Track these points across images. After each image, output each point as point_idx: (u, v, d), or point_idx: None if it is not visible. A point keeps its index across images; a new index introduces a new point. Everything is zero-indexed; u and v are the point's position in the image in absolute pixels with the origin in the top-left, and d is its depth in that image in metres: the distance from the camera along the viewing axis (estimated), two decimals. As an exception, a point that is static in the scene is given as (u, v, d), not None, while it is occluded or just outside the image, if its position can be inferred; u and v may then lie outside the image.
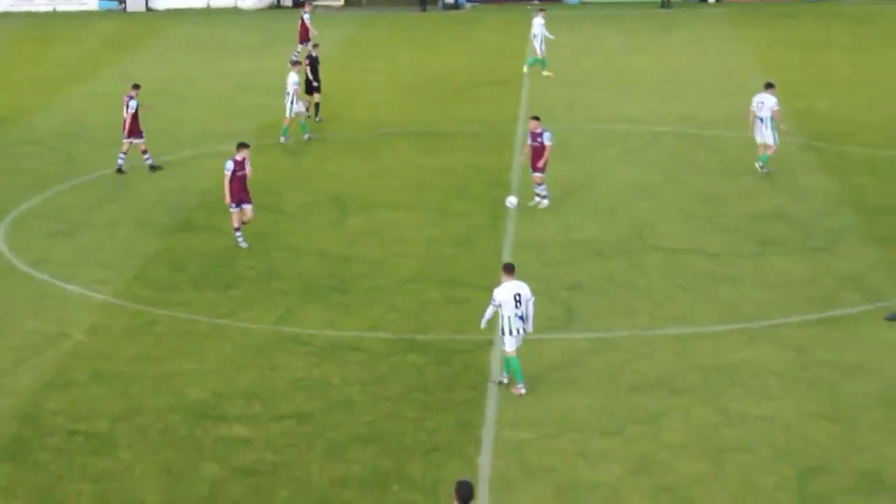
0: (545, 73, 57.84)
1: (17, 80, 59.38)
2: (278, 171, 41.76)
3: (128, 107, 42.80)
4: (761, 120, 41.53)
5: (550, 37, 58.56)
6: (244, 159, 35.10)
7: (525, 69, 58.24)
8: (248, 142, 36.53)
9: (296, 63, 48.66)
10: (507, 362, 26.51)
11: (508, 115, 50.46)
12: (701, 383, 26.94)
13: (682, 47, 64.68)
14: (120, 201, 40.14)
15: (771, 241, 35.67)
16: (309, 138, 46.78)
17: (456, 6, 79.73)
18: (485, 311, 26.49)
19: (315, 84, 48.68)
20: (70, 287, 32.92)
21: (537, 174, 38.21)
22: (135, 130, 43.00)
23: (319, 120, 48.77)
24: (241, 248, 34.96)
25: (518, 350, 26.14)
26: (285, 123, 46.43)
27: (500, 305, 26.04)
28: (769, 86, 42.35)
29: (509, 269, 26.49)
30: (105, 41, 69.50)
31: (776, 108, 41.41)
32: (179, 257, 35.00)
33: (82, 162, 44.75)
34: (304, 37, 60.66)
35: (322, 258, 34.70)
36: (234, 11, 79.38)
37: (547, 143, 37.75)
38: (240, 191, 34.90)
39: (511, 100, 53.27)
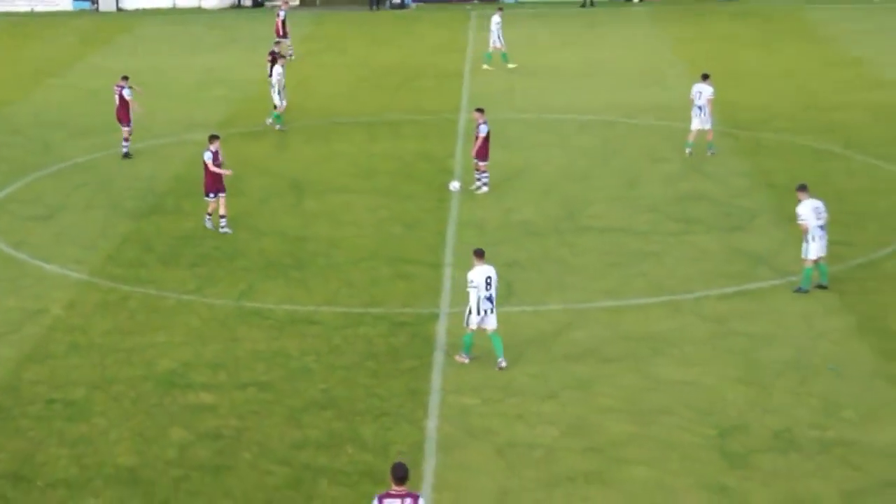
0: (486, 65, 57.84)
1: (-2, 74, 58.99)
2: (240, 158, 41.50)
3: (121, 96, 42.76)
4: (699, 108, 41.79)
5: (500, 33, 58.51)
6: (217, 150, 34.80)
7: (486, 66, 58.03)
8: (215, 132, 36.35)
9: (282, 57, 48.44)
10: (469, 337, 26.22)
11: (451, 105, 50.40)
12: (629, 352, 26.99)
13: (608, 43, 64.69)
14: (94, 187, 39.90)
15: (692, 220, 35.75)
16: (271, 124, 46.66)
17: (402, 5, 79.52)
18: (472, 289, 25.96)
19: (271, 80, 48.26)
20: (48, 266, 32.70)
21: (476, 161, 38.20)
22: (125, 118, 42.97)
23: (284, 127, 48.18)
24: (207, 229, 34.78)
25: (491, 330, 25.97)
26: (279, 112, 46.25)
27: (477, 287, 25.76)
28: (705, 76, 42.59)
29: (480, 254, 26.23)
30: (79, 38, 69.03)
31: (711, 97, 41.78)
32: (149, 238, 34.80)
33: (59, 150, 44.45)
34: (280, 33, 60.34)
35: (281, 238, 34.57)
36: (198, 11, 78.94)
37: (480, 134, 37.77)
38: (218, 181, 34.68)
39: (453, 91, 53.19)
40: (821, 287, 30.08)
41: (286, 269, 32.27)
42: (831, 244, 31.39)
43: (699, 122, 41.93)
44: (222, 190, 34.72)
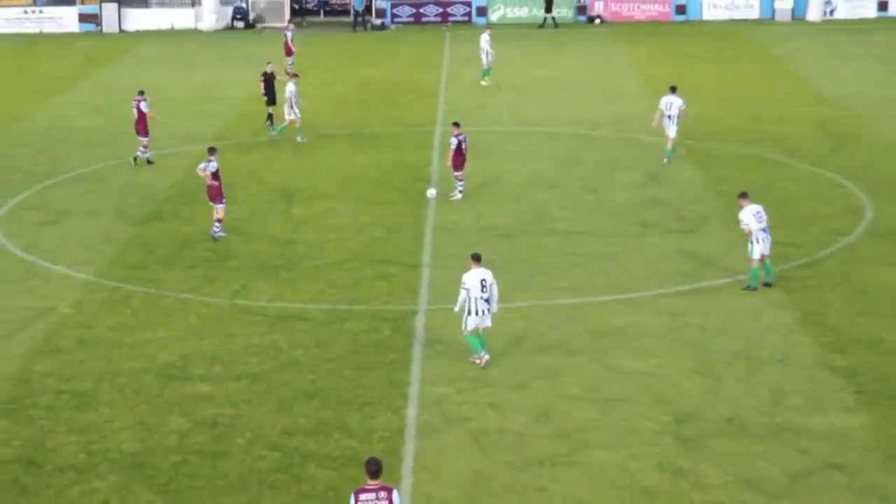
0: (484, 82, 57.91)
1: (8, 91, 58.73)
2: (233, 168, 41.42)
3: (138, 108, 43.03)
4: (669, 118, 42.12)
5: (492, 51, 58.59)
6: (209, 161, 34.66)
7: (483, 82, 58.00)
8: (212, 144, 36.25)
9: (294, 75, 48.37)
10: (474, 338, 25.70)
11: (428, 118, 50.43)
12: (592, 345, 27.01)
13: (573, 61, 64.82)
14: (99, 194, 39.81)
15: (649, 223, 35.82)
16: (274, 137, 46.83)
17: (382, 27, 79.54)
18: (464, 291, 25.55)
19: (266, 98, 48.07)
20: (56, 268, 32.61)
21: (451, 171, 38.26)
22: (142, 129, 43.22)
23: (269, 124, 48.09)
24: (208, 232, 34.67)
25: (483, 328, 25.62)
26: (297, 125, 46.14)
27: (469, 289, 25.42)
28: (673, 89, 42.88)
29: (477, 258, 25.77)
30: (84, 57, 68.86)
31: (683, 107, 42.20)
32: (150, 242, 34.71)
33: (66, 161, 44.33)
34: (289, 51, 60.92)
35: (271, 241, 34.53)
36: (195, 32, 78.79)
37: (451, 145, 37.83)
38: (219, 190, 34.48)
39: (429, 106, 53.21)
40: (767, 285, 30.17)
41: (276, 270, 32.24)
42: (778, 245, 31.49)
43: (671, 131, 42.33)
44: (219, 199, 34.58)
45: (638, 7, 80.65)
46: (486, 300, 25.50)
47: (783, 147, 44.73)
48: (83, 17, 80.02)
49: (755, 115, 50.46)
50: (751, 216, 29.87)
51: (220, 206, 34.51)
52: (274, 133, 46.79)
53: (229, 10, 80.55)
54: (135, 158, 43.53)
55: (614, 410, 23.79)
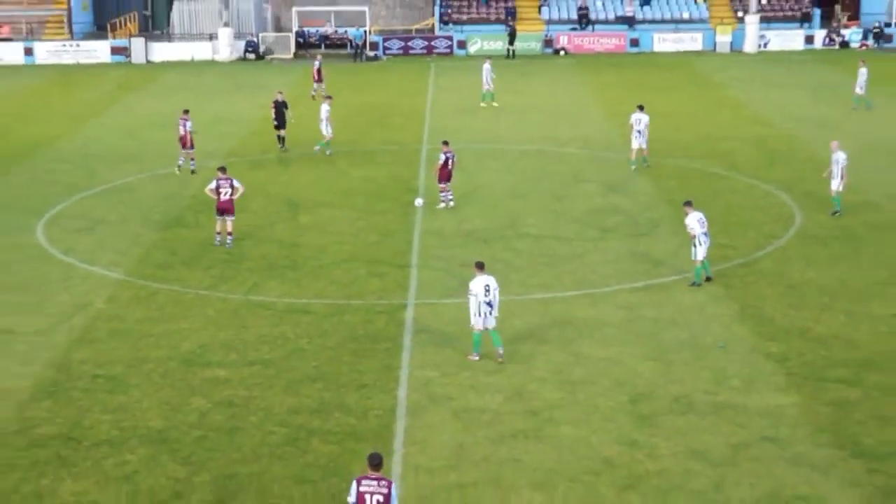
0: (484, 104, 58.18)
1: (50, 114, 58.62)
2: (245, 181, 41.34)
3: (185, 126, 43.53)
4: (639, 132, 43.02)
5: (493, 77, 58.87)
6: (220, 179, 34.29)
7: (494, 104, 58.18)
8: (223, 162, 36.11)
9: (327, 97, 49.03)
10: (478, 335, 25.34)
11: (416, 137, 50.46)
12: (559, 334, 27.03)
13: (541, 88, 64.89)
14: (128, 204, 39.73)
15: (608, 228, 35.86)
16: (318, 150, 47.09)
17: (376, 58, 79.57)
18: (467, 303, 25.30)
19: (276, 123, 47.95)
20: (92, 268, 32.53)
21: (438, 183, 38.31)
22: (187, 143, 43.71)
23: (284, 150, 48.04)
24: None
25: (487, 329, 25.26)
26: (326, 140, 46.51)
27: (476, 294, 25.07)
28: (641, 107, 43.74)
29: (480, 266, 25.44)
30: (116, 85, 68.76)
31: (648, 123, 43.24)
32: (173, 245, 34.65)
33: (100, 175, 44.24)
34: (318, 78, 61.44)
35: (279, 245, 34.49)
36: (212, 63, 78.72)
37: (439, 161, 37.89)
38: (228, 203, 34.15)
39: (417, 126, 53.24)
40: (708, 279, 30.26)
41: (284, 270, 32.21)
42: (719, 247, 31.63)
43: (638, 142, 43.12)
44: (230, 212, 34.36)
45: (597, 41, 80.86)
46: (489, 303, 25.12)
47: (724, 162, 44.84)
48: (115, 50, 79.91)
49: (700, 134, 50.59)
50: (695, 222, 29.95)
51: (231, 219, 34.16)
52: (316, 148, 47.02)
53: (242, 44, 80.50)
54: (179, 166, 43.99)
55: (578, 391, 23.82)
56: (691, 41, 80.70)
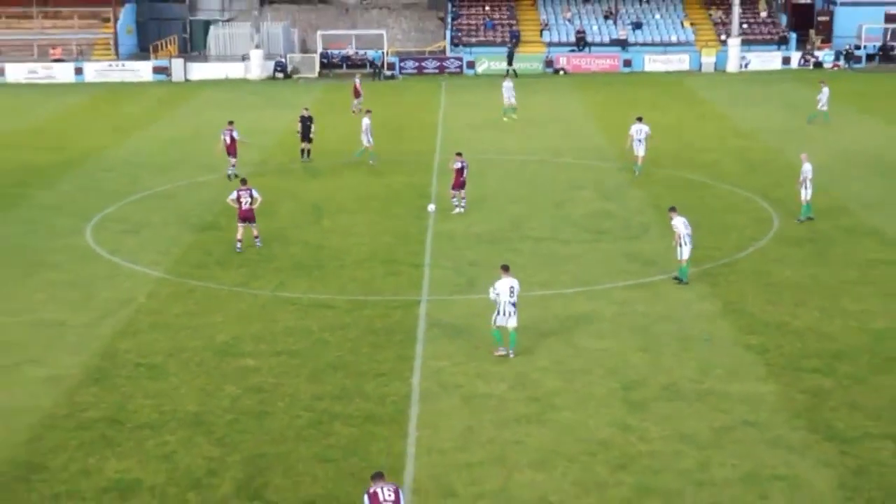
0: (506, 118, 57.98)
1: (98, 127, 58.61)
2: (274, 189, 41.29)
3: (231, 135, 44.06)
4: (639, 141, 43.31)
5: (514, 93, 59.22)
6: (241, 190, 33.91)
7: (514, 116, 58.14)
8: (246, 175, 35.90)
9: (367, 111, 49.52)
10: (497, 332, 25.06)
11: (428, 148, 50.33)
12: (558, 327, 26.93)
13: (541, 104, 64.67)
14: (168, 209, 39.68)
15: (602, 231, 35.73)
16: (359, 156, 47.10)
17: (393, 77, 79.49)
18: (494, 298, 25.04)
19: (300, 135, 47.90)
20: (135, 267, 32.48)
21: (450, 190, 38.20)
22: (233, 151, 44.07)
23: (308, 160, 47.83)
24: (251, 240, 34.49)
25: (507, 327, 24.96)
26: (370, 149, 46.60)
27: (499, 294, 24.84)
28: (640, 119, 44.18)
29: (506, 269, 25.34)
30: (157, 101, 68.75)
31: (649, 132, 43.64)
32: (209, 246, 34.59)
33: (142, 183, 44.19)
34: (357, 94, 61.77)
35: (304, 246, 34.41)
36: (244, 81, 78.66)
37: (454, 167, 37.89)
38: (248, 211, 33.85)
39: (430, 138, 53.10)
40: (677, 280, 30.11)
41: (309, 268, 32.13)
42: (704, 248, 31.52)
43: (637, 151, 43.43)
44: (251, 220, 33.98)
45: (593, 61, 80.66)
46: (513, 304, 24.90)
47: (708, 171, 44.66)
48: (157, 69, 79.88)
49: (686, 145, 50.39)
50: (680, 225, 29.80)
51: (253, 225, 33.81)
52: (356, 155, 47.13)
53: (272, 64, 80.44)
54: (228, 176, 44.10)
55: (576, 379, 23.71)
56: (679, 62, 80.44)
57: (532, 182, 43.37)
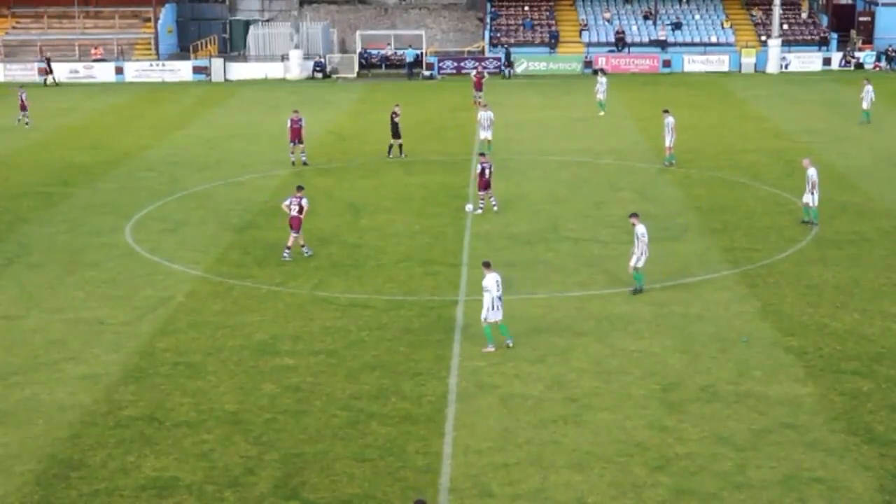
0: (601, 113, 59.03)
1: (138, 127, 58.99)
2: (312, 188, 41.39)
3: (299, 123, 46.11)
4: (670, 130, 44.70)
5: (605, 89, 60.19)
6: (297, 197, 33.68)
7: (601, 113, 58.90)
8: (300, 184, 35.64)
9: (484, 105, 51.82)
10: (488, 329, 25.43)
11: (465, 149, 50.28)
12: (595, 328, 26.86)
13: (580, 104, 64.48)
14: (207, 208, 39.89)
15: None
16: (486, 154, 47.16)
17: (431, 77, 79.52)
18: (482, 300, 25.48)
19: (392, 134, 48.26)
20: (174, 266, 32.68)
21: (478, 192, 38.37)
22: (299, 138, 46.09)
23: (404, 156, 48.26)
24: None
25: (497, 322, 25.40)
26: (485, 140, 47.58)
27: (490, 290, 25.18)
28: (666, 111, 45.61)
29: (487, 265, 25.65)
30: (197, 101, 69.10)
31: (674, 123, 45.13)
32: (247, 246, 34.76)
33: (182, 182, 44.46)
34: (478, 87, 63.79)
35: (342, 246, 34.51)
36: (283, 81, 78.93)
37: (476, 171, 37.96)
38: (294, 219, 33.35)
39: (467, 139, 53.03)
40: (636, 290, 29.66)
41: (347, 268, 32.21)
42: (743, 250, 31.46)
43: (668, 141, 44.77)
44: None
45: (633, 62, 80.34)
46: (500, 297, 25.33)
47: (748, 172, 44.41)
48: (196, 69, 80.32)
49: (725, 146, 50.12)
50: (644, 233, 29.43)
51: (296, 235, 33.25)
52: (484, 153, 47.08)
53: (311, 64, 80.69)
54: (293, 163, 46.05)
55: (613, 380, 23.65)
56: (718, 63, 79.96)
57: (571, 183, 43.25)
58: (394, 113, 48.37)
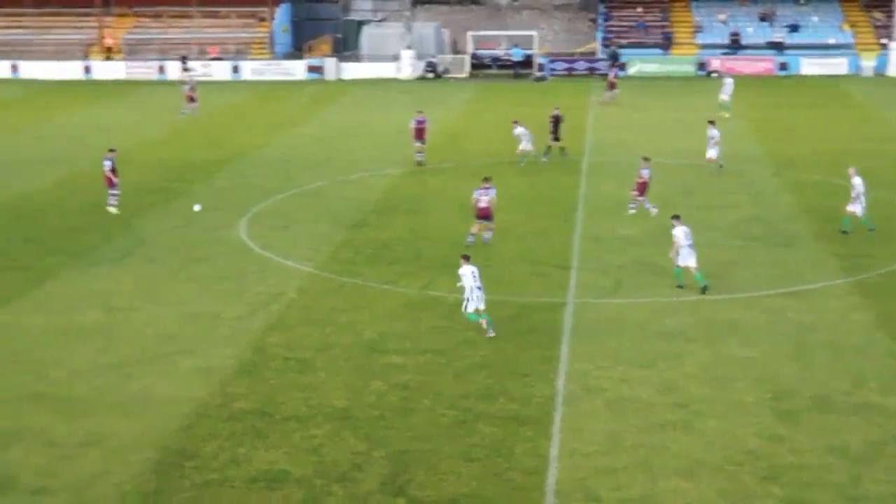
0: (727, 114, 58.33)
1: (253, 125, 59.91)
2: (423, 188, 41.63)
3: (423, 123, 46.63)
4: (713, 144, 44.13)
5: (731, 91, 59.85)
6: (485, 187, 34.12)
7: (727, 115, 58.05)
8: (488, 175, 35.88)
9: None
10: (470, 316, 26.45)
11: (577, 150, 49.98)
12: (706, 334, 26.49)
13: (693, 106, 63.61)
14: (319, 206, 40.29)
15: (752, 238, 35.08)
16: (545, 160, 47.48)
17: (543, 79, 79.34)
18: (460, 286, 26.71)
19: (553, 135, 48.19)
20: (286, 262, 33.05)
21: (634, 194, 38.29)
22: (421, 138, 46.53)
23: (566, 156, 48.26)
24: (403, 237, 34.65)
25: (479, 309, 26.25)
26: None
27: (465, 279, 26.37)
28: (712, 122, 44.83)
29: (466, 258, 26.88)
30: (311, 99, 69.93)
31: (719, 137, 44.27)
32: (359, 244, 35.02)
33: (295, 179, 45.00)
34: (612, 86, 65.07)
35: (452, 245, 34.46)
36: (395, 80, 79.48)
37: (642, 176, 37.81)
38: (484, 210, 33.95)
39: (578, 140, 52.71)
40: (680, 287, 29.67)
41: (455, 267, 32.02)
42: (859, 257, 30.62)
43: (711, 153, 44.20)
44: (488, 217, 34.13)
45: (749, 64, 79.19)
46: (479, 287, 26.20)
47: (865, 177, 43.26)
48: (310, 69, 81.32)
49: (843, 151, 48.99)
50: (682, 235, 29.43)
51: (486, 222, 33.94)
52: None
53: (422, 64, 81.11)
54: (418, 162, 46.65)
55: (724, 387, 23.29)
56: (836, 65, 78.43)
57: (682, 186, 42.73)
58: (555, 116, 48.01)
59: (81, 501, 18.90)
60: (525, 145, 46.34)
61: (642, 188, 37.70)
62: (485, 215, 33.92)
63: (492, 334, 26.11)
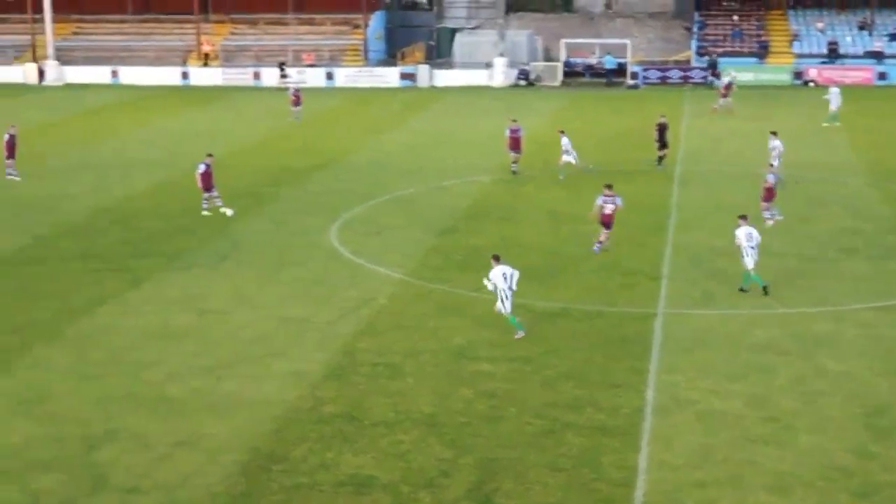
0: (826, 123, 58.23)
1: (347, 132, 60.41)
2: (514, 195, 41.56)
3: (517, 132, 46.46)
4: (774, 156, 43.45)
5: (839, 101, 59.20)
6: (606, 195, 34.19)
7: (837, 124, 57.86)
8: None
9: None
10: (511, 319, 26.67)
11: (670, 159, 49.45)
12: (798, 347, 26.06)
13: (788, 115, 62.76)
14: (410, 212, 40.46)
15: (848, 249, 34.45)
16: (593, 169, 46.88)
17: (635, 87, 78.86)
18: (490, 287, 26.77)
19: (659, 143, 48.04)
20: (377, 268, 33.22)
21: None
22: (517, 148, 46.24)
23: (661, 167, 47.95)
24: (494, 245, 34.56)
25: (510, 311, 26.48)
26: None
27: (496, 282, 26.39)
28: (774, 133, 44.33)
29: (497, 258, 26.87)
30: (403, 106, 70.31)
31: (781, 149, 43.51)
32: (448, 250, 35.09)
33: (387, 186, 45.22)
34: (725, 94, 64.59)
35: (541, 252, 34.46)
36: (487, 88, 79.59)
37: (768, 182, 37.52)
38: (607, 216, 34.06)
39: (672, 149, 52.06)
40: (765, 290, 29.76)
41: (544, 275, 32.14)
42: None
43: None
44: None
45: (846, 73, 77.87)
46: (510, 288, 26.25)
47: (966, 190, 42.44)
48: (403, 75, 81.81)
49: (942, 163, 47.99)
50: (744, 235, 29.66)
51: (607, 232, 34.07)
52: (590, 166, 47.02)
53: (515, 72, 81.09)
54: (514, 172, 46.23)
55: (816, 401, 22.87)
56: (938, 75, 76.93)
57: (777, 195, 42.03)
58: (661, 124, 47.74)
59: (172, 502, 19.14)
60: (567, 157, 45.75)
61: (769, 195, 37.25)
62: (604, 221, 33.79)
63: (521, 335, 26.47)
